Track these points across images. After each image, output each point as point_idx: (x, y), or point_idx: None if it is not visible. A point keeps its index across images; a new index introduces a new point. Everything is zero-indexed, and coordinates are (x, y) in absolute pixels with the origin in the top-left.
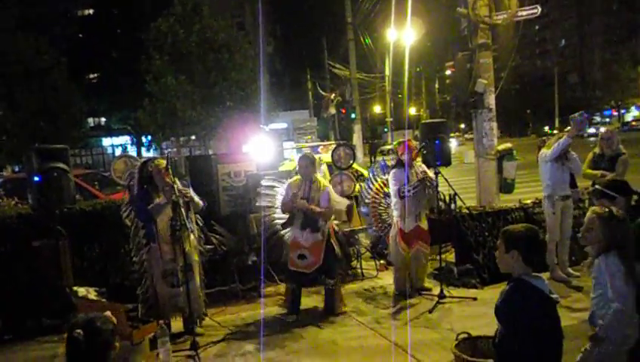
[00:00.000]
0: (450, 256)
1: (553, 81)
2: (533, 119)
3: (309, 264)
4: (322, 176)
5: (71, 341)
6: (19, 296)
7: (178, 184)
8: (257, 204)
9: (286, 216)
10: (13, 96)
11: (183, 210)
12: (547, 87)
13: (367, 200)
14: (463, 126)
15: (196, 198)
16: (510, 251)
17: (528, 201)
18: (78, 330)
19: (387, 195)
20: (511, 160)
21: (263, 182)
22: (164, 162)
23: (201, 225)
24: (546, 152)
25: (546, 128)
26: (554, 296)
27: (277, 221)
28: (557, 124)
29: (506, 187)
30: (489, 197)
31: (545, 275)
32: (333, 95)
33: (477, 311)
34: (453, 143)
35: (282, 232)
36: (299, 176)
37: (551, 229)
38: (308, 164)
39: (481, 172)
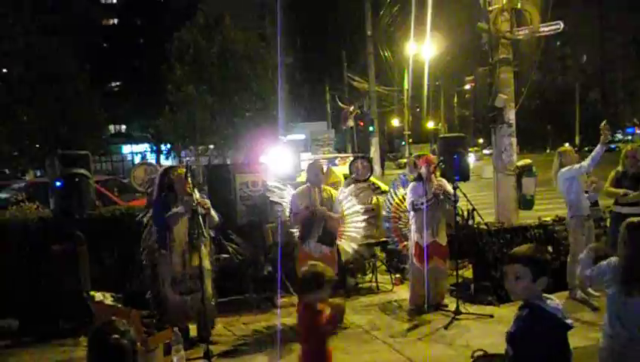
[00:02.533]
0: (468, 273)
1: (574, 97)
2: (553, 135)
3: None
4: (338, 188)
5: (113, 347)
6: (37, 298)
7: (197, 194)
8: (270, 199)
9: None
10: (36, 101)
11: (201, 218)
12: (568, 104)
13: (388, 215)
14: (481, 141)
15: (213, 212)
16: (539, 278)
17: (548, 218)
18: (116, 336)
19: (406, 210)
20: (530, 176)
21: (268, 184)
22: (183, 171)
23: (212, 235)
24: (571, 167)
25: (567, 145)
26: (568, 321)
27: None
28: (577, 141)
29: (526, 203)
30: (507, 213)
31: (564, 295)
32: (352, 107)
33: (493, 329)
34: (471, 158)
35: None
36: (304, 187)
37: (579, 250)
38: (318, 172)
39: (500, 187)
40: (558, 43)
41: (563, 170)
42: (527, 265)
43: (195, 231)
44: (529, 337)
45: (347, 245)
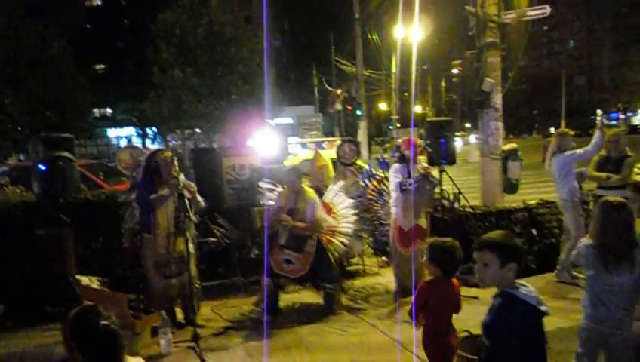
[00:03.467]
0: None
1: (560, 82)
2: (539, 120)
3: (293, 270)
4: (325, 172)
5: (104, 331)
6: (23, 283)
7: (182, 177)
8: (261, 202)
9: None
10: (21, 84)
11: (187, 202)
12: (554, 89)
13: (363, 197)
14: (468, 125)
15: (198, 197)
16: (507, 264)
17: (532, 202)
18: (105, 322)
19: (382, 193)
20: (516, 160)
21: (262, 184)
22: (170, 154)
23: (197, 220)
24: (574, 152)
25: (552, 129)
26: (543, 308)
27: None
28: (563, 126)
29: (511, 187)
30: (493, 197)
31: (550, 276)
32: (340, 91)
33: (478, 310)
34: (458, 142)
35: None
36: (286, 188)
37: (578, 232)
38: (295, 178)
39: (486, 171)
40: (546, 27)
41: (567, 153)
42: (494, 251)
43: (182, 214)
44: (503, 327)
45: (340, 241)
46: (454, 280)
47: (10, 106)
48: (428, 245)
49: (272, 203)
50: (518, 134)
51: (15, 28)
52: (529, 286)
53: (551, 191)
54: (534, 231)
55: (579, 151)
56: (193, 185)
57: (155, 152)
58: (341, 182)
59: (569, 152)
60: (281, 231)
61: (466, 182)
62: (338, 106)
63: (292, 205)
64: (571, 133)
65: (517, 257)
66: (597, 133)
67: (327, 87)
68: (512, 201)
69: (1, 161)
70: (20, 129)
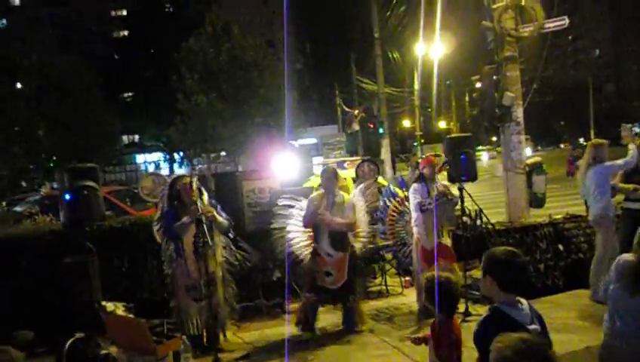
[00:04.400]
0: (477, 273)
1: (588, 91)
2: (566, 131)
3: (335, 280)
4: (345, 191)
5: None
6: (51, 310)
7: (205, 201)
8: (272, 225)
9: (300, 232)
10: (53, 115)
11: (205, 227)
12: (582, 98)
13: (383, 217)
14: (495, 139)
15: (220, 219)
16: (485, 275)
17: (558, 216)
18: (105, 352)
19: (404, 214)
20: (541, 174)
21: (280, 202)
22: (188, 180)
23: (224, 243)
24: (613, 163)
25: (582, 140)
26: (531, 327)
27: (294, 242)
28: (592, 135)
29: (537, 201)
30: (518, 211)
31: (579, 293)
32: (357, 111)
33: None
34: (484, 157)
35: (297, 253)
36: (321, 191)
37: (608, 250)
38: (330, 176)
39: (510, 186)
40: (570, 37)
41: (606, 163)
42: (482, 262)
43: (200, 239)
44: (486, 340)
45: (361, 244)
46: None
47: (44, 138)
48: (425, 283)
49: (292, 221)
50: (546, 146)
51: (49, 63)
52: (523, 304)
53: (579, 203)
54: (561, 247)
55: (618, 161)
56: (212, 209)
57: (175, 179)
58: (362, 185)
59: (608, 163)
60: (321, 233)
61: (493, 196)
62: (355, 126)
63: (329, 207)
64: (605, 142)
65: (492, 269)
66: (631, 146)
67: (344, 107)
68: (538, 216)
69: (36, 190)
70: (53, 158)
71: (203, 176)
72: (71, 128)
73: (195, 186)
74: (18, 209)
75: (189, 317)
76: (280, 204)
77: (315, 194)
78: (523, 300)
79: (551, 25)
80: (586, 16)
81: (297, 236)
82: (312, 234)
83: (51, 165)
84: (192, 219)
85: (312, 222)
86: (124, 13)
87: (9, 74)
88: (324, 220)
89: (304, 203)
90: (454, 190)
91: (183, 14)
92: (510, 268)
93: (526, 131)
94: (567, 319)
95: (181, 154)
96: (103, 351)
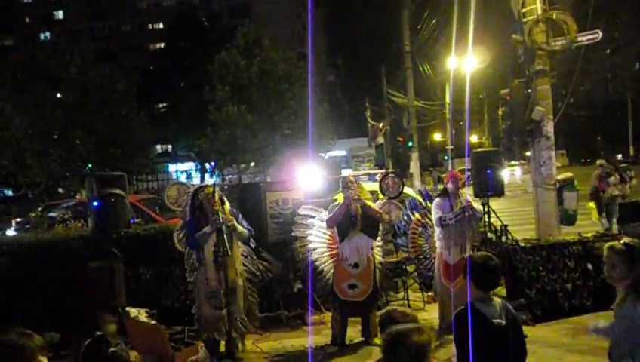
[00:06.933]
0: (502, 291)
1: (626, 106)
2: (604, 146)
3: (361, 291)
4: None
5: (113, 357)
6: (78, 313)
7: (227, 211)
8: (293, 234)
9: (322, 243)
10: (89, 124)
11: (226, 237)
12: (620, 113)
13: (404, 230)
14: (528, 154)
15: (240, 228)
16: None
17: (589, 234)
18: (114, 349)
19: (426, 227)
20: (572, 190)
21: (301, 211)
22: (211, 190)
23: (246, 253)
24: None
25: (619, 156)
26: (497, 320)
27: (315, 252)
28: (632, 152)
29: (567, 219)
30: (548, 229)
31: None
32: (382, 124)
33: (527, 349)
34: (517, 172)
35: (318, 263)
36: (342, 198)
37: None
38: (346, 183)
39: (540, 202)
40: (608, 51)
41: None
42: (471, 266)
43: (220, 249)
44: (460, 333)
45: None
46: None
47: (80, 145)
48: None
49: (313, 231)
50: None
51: (86, 74)
52: (494, 301)
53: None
54: (590, 266)
55: None
56: (233, 219)
57: (197, 189)
58: (384, 201)
59: None
60: (351, 219)
61: (524, 213)
62: (380, 139)
63: (353, 213)
64: None
65: (471, 270)
66: None
67: (370, 121)
68: (569, 233)
69: (72, 196)
70: (89, 166)
71: (225, 187)
72: (106, 137)
73: (217, 196)
74: (52, 214)
75: (209, 324)
76: (301, 213)
77: (338, 201)
78: (496, 298)
79: (583, 38)
80: (624, 30)
81: (319, 246)
82: (334, 245)
83: (87, 172)
84: (213, 228)
85: (338, 217)
86: (161, 26)
87: (50, 83)
88: (353, 199)
89: (324, 214)
90: (478, 205)
91: (217, 28)
92: (485, 270)
93: (562, 146)
94: (594, 341)
95: (212, 164)
96: (111, 349)
